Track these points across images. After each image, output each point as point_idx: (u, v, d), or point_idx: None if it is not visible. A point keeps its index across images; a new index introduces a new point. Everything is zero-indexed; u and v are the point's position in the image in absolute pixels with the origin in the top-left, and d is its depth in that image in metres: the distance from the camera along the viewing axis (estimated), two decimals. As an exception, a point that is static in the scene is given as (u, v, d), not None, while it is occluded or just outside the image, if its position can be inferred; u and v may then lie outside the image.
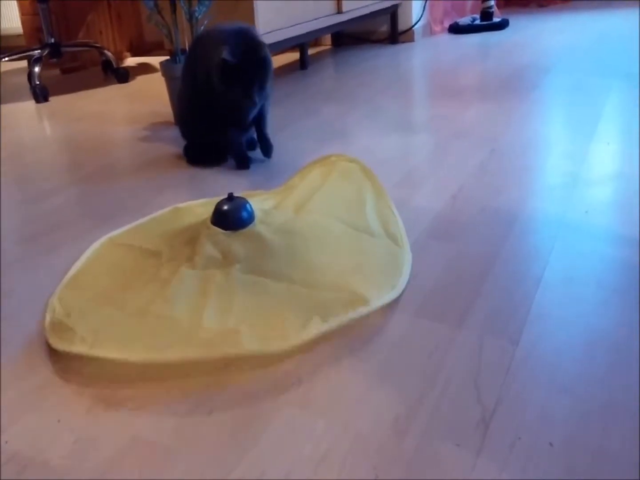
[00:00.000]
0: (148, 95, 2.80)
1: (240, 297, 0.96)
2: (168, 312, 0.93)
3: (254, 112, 1.63)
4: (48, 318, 0.98)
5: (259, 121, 1.70)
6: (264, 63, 1.55)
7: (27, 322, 1.00)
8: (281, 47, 2.60)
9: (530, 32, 3.55)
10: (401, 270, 1.04)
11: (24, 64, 3.54)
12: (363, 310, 0.92)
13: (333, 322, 0.90)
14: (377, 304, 0.94)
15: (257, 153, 1.74)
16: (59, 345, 0.88)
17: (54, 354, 0.91)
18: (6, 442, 0.75)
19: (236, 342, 0.85)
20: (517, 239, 1.14)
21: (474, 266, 1.06)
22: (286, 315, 0.91)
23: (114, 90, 3.00)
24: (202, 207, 1.32)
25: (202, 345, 0.84)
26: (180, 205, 1.38)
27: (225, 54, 1.48)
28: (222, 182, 1.57)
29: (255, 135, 1.73)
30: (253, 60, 1.52)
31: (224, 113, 1.62)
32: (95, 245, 1.24)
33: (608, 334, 0.85)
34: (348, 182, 1.38)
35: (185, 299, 0.96)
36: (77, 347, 0.87)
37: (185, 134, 1.79)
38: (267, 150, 1.71)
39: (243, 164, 1.68)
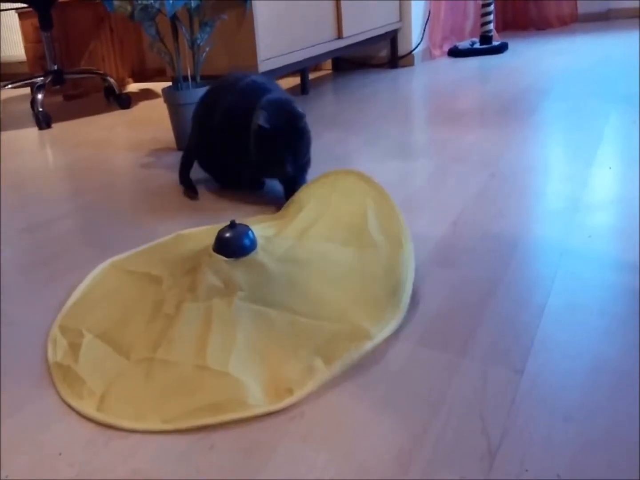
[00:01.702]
0: (150, 121, 2.82)
1: (243, 330, 0.96)
2: (173, 357, 0.91)
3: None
4: (51, 351, 0.98)
5: (294, 178, 1.61)
6: (302, 135, 1.50)
7: (28, 352, 1.00)
8: (282, 72, 2.63)
9: (529, 56, 3.58)
10: (403, 290, 1.04)
11: (27, 90, 3.58)
12: (367, 346, 0.91)
13: (337, 367, 0.88)
14: (381, 337, 0.94)
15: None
16: (69, 398, 0.87)
17: (54, 384, 0.90)
18: (7, 476, 0.74)
19: (242, 402, 0.82)
20: (519, 265, 1.13)
21: (476, 293, 1.05)
22: (290, 360, 0.89)
23: (116, 117, 3.02)
24: (204, 234, 1.32)
25: (209, 411, 0.82)
26: (183, 232, 1.38)
27: (261, 120, 1.45)
28: (223, 209, 1.58)
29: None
30: (290, 131, 1.47)
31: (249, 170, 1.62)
32: (98, 269, 1.24)
33: (612, 361, 0.85)
34: (349, 200, 1.37)
35: (189, 337, 0.95)
36: (87, 402, 0.86)
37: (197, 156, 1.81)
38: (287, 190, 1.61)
39: (256, 185, 1.71)
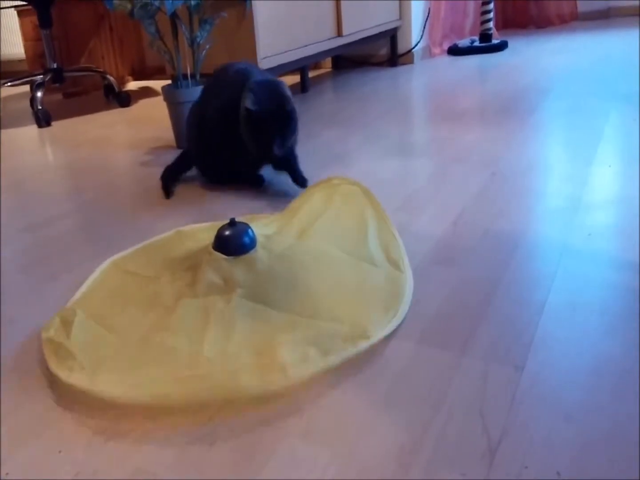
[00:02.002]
0: (150, 119, 2.82)
1: (240, 324, 0.96)
2: (169, 342, 0.92)
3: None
4: (44, 329, 0.98)
5: (288, 162, 1.65)
6: (289, 117, 1.52)
7: (28, 351, 1.00)
8: (282, 70, 2.62)
9: (529, 54, 3.58)
10: (402, 298, 1.04)
11: (26, 88, 3.57)
12: (364, 344, 0.91)
13: (333, 359, 0.88)
14: (377, 337, 0.93)
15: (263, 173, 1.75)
16: (58, 371, 0.88)
17: (54, 382, 0.90)
18: (7, 474, 0.74)
19: (235, 381, 0.83)
20: (519, 264, 1.13)
21: (476, 292, 1.05)
22: (286, 347, 0.89)
23: (116, 115, 3.02)
24: (205, 232, 1.32)
25: (202, 387, 0.83)
26: (183, 228, 1.38)
27: (249, 103, 1.47)
28: (223, 207, 1.57)
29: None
30: (278, 113, 1.50)
31: (241, 156, 1.63)
32: (99, 269, 1.24)
33: (612, 360, 0.85)
34: (350, 207, 1.38)
35: (186, 327, 0.95)
36: (77, 376, 0.86)
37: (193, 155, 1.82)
38: (300, 182, 1.63)
39: (256, 183, 1.71)
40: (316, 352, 0.88)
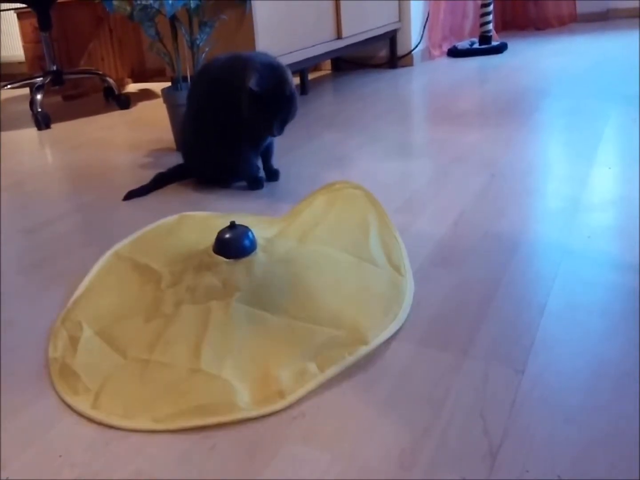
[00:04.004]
0: (149, 121, 2.82)
1: (239, 332, 0.96)
2: (169, 358, 0.92)
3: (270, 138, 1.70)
4: (51, 346, 0.99)
5: (267, 151, 1.74)
6: (291, 100, 1.56)
7: (28, 354, 0.99)
8: (281, 73, 2.62)
9: (528, 56, 3.58)
10: (402, 301, 1.03)
11: (26, 91, 3.57)
12: (362, 351, 0.90)
13: (330, 372, 0.87)
14: (376, 343, 0.93)
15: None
16: (64, 394, 0.88)
17: (54, 386, 0.90)
18: (7, 478, 0.74)
19: (232, 405, 0.82)
20: (520, 265, 1.13)
21: (477, 293, 1.05)
22: (283, 367, 0.88)
23: (116, 117, 3.02)
24: (209, 220, 1.32)
25: (199, 412, 0.82)
26: (188, 213, 1.38)
27: (252, 83, 1.50)
28: (223, 209, 1.57)
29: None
30: (280, 95, 1.54)
31: (243, 132, 1.64)
32: (102, 260, 1.25)
33: (613, 362, 0.85)
34: (352, 211, 1.38)
35: (185, 339, 0.95)
36: (82, 399, 0.86)
37: (188, 158, 1.81)
38: (272, 176, 1.76)
39: (256, 184, 1.71)
40: (314, 369, 0.87)
